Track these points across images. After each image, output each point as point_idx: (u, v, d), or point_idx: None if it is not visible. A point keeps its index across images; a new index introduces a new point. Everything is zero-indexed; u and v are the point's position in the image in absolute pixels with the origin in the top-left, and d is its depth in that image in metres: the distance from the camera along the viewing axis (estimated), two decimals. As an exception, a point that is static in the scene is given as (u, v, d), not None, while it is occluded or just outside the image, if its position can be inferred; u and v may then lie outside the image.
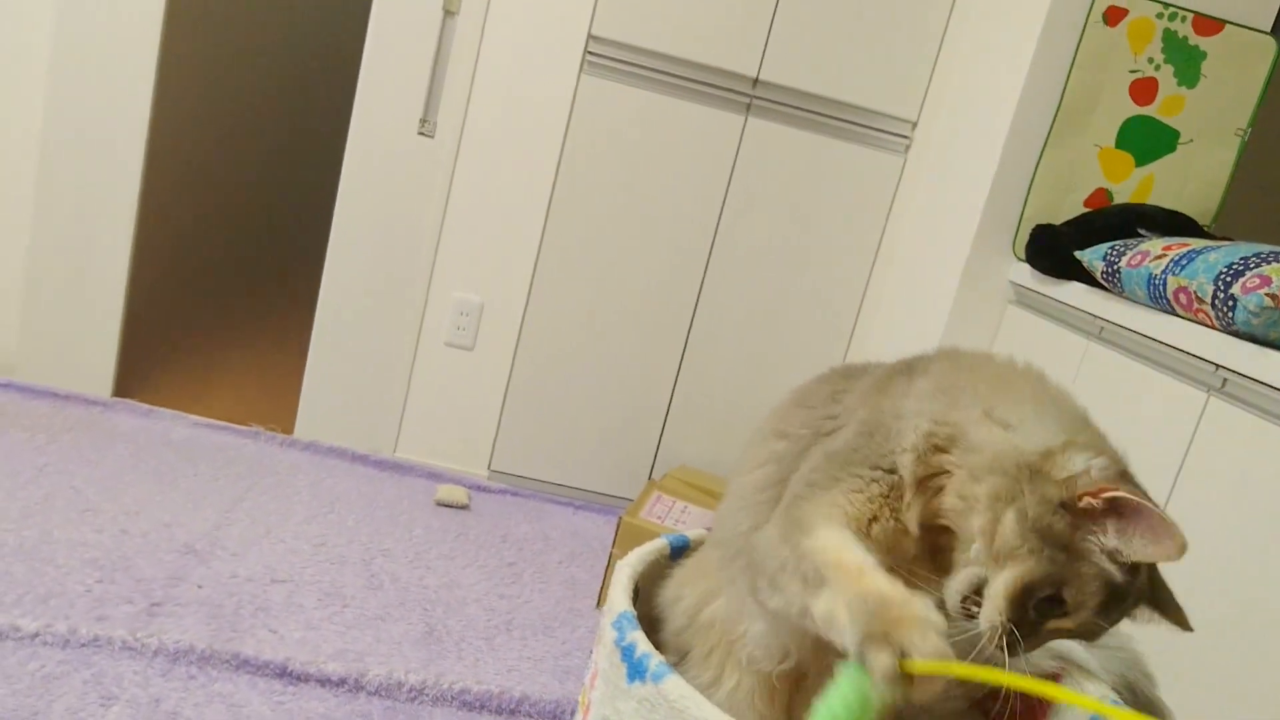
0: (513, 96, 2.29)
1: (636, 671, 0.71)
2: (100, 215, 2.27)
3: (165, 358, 2.70)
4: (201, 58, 2.84)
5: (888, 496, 0.77)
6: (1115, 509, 0.69)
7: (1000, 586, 0.70)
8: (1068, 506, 0.70)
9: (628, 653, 0.73)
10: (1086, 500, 0.70)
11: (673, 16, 2.26)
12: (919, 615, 0.64)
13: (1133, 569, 0.71)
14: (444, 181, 2.31)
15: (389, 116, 2.28)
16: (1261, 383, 1.34)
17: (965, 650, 0.70)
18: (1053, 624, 0.71)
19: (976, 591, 0.72)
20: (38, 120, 2.21)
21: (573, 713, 1.59)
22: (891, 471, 0.78)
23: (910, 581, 0.70)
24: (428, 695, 1.53)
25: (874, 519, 0.77)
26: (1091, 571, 0.70)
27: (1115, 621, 0.74)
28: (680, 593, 0.91)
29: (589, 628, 1.89)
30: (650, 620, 0.88)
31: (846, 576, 0.68)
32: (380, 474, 2.35)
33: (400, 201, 2.32)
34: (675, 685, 0.68)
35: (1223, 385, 1.42)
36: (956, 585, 0.73)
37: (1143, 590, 0.73)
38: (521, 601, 1.92)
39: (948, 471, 0.76)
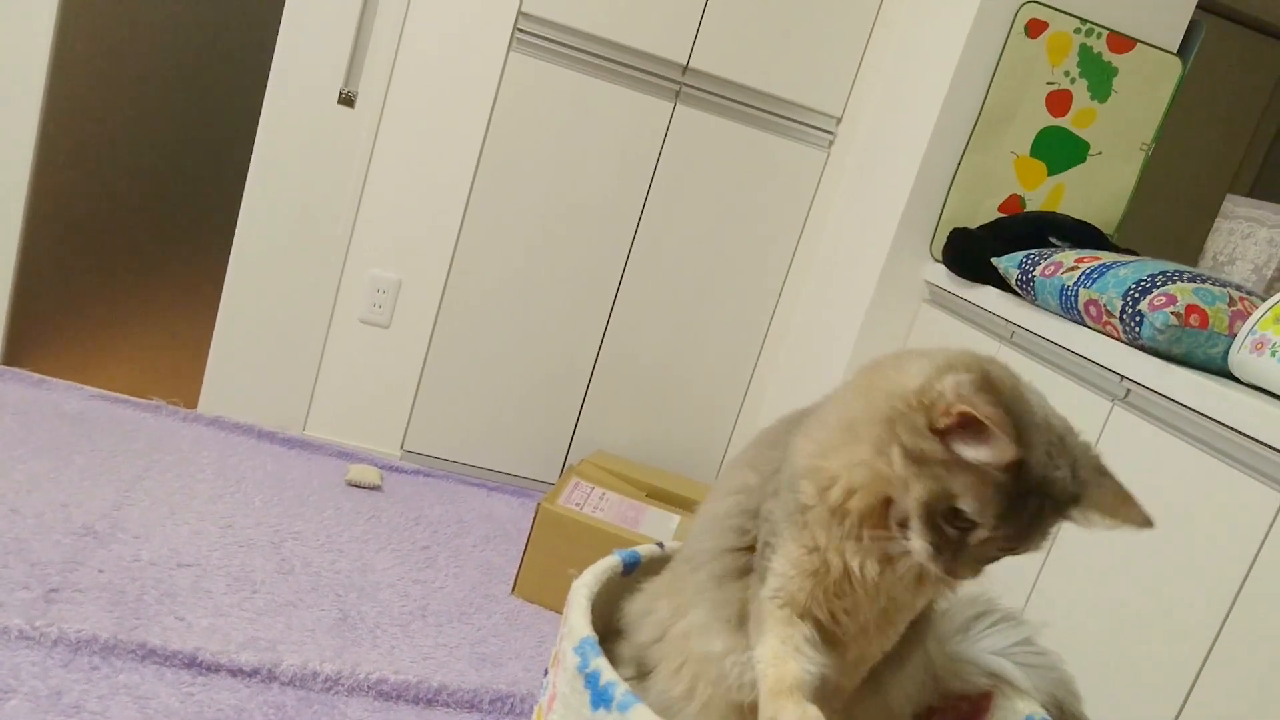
0: (438, 69, 2.23)
1: (601, 699, 0.71)
2: (-10, 171, 2.14)
3: (59, 323, 2.56)
4: (107, 14, 2.69)
5: (821, 547, 0.82)
6: (966, 421, 0.74)
7: (910, 514, 0.77)
8: (934, 429, 0.75)
9: (592, 680, 0.73)
10: (942, 420, 0.75)
11: (605, -2, 2.24)
12: None
13: (1019, 470, 0.74)
14: (364, 154, 2.24)
15: (308, 83, 2.19)
16: (1162, 395, 1.41)
17: (916, 570, 0.79)
18: (974, 537, 0.75)
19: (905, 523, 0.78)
20: (-79, 66, 2.06)
21: (490, 701, 1.59)
22: (805, 511, 0.82)
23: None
24: (343, 685, 1.50)
25: (817, 571, 0.82)
26: (974, 478, 0.74)
27: (1039, 526, 0.76)
28: (653, 606, 0.92)
29: (504, 613, 1.88)
30: (604, 635, 0.88)
31: (775, 695, 0.77)
32: (289, 452, 2.29)
33: (317, 171, 2.25)
34: (642, 715, 0.69)
35: (1126, 395, 1.49)
36: (893, 518, 0.79)
37: (1065, 491, 0.76)
38: (436, 587, 1.90)
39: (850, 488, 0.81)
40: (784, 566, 0.82)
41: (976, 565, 0.77)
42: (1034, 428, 0.75)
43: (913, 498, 0.76)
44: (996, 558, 0.78)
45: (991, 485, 0.74)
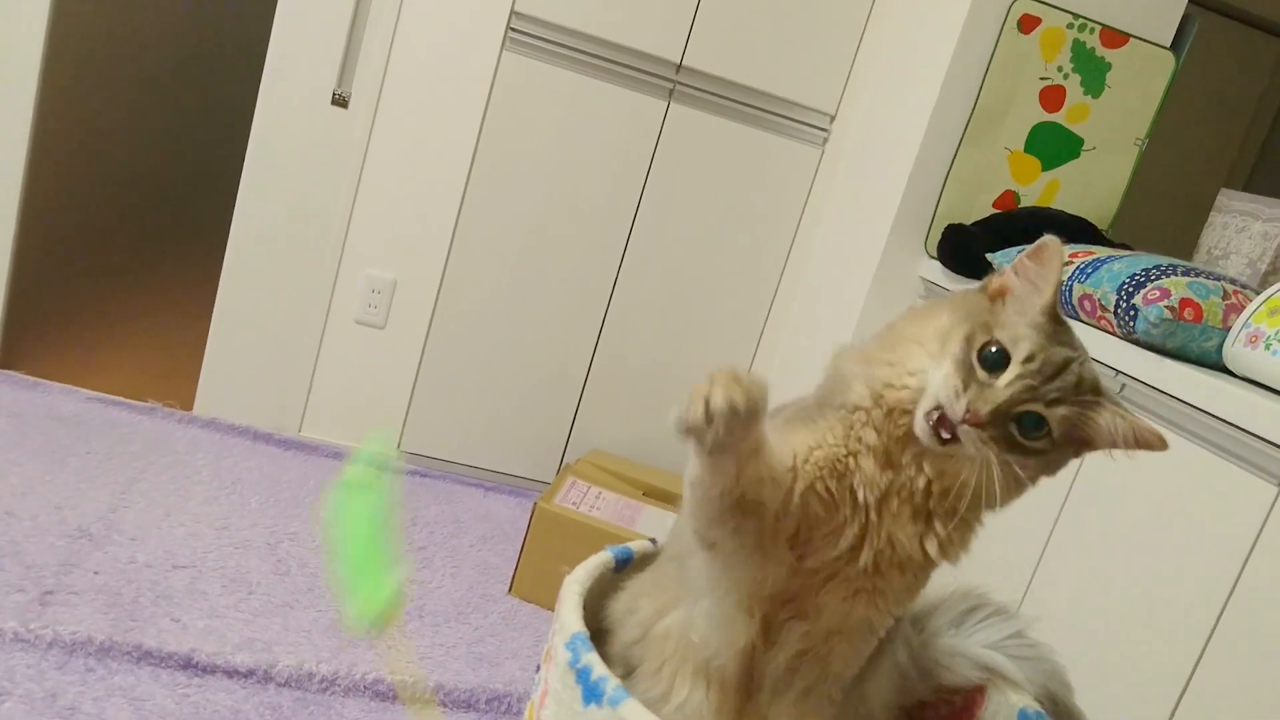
0: (432, 69, 2.23)
1: (593, 695, 0.71)
2: (-17, 174, 2.13)
3: (54, 326, 2.56)
4: (101, 15, 2.68)
5: (856, 452, 0.79)
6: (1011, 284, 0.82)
7: (947, 352, 0.78)
8: (986, 295, 0.83)
9: (583, 675, 0.73)
10: (995, 282, 0.82)
11: (598, -3, 2.24)
12: (724, 376, 0.71)
13: (1056, 319, 0.79)
14: (358, 154, 2.24)
15: (301, 84, 2.19)
16: (1157, 389, 1.41)
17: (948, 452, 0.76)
18: (1002, 379, 0.76)
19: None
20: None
21: (487, 701, 1.59)
22: (854, 411, 0.81)
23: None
24: (339, 686, 1.50)
25: (842, 474, 0.79)
26: (1016, 317, 0.79)
27: (1063, 378, 0.76)
28: (635, 605, 0.91)
29: (501, 613, 1.88)
30: (595, 632, 0.88)
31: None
32: (284, 453, 2.29)
33: (311, 172, 2.24)
34: (633, 710, 0.69)
35: (1121, 389, 1.49)
36: (921, 409, 0.77)
37: (1090, 371, 0.79)
38: (433, 587, 1.90)
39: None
40: (806, 438, 0.80)
41: (994, 411, 0.75)
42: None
43: (953, 340, 0.78)
44: (1021, 445, 0.76)
45: (1031, 325, 0.78)
